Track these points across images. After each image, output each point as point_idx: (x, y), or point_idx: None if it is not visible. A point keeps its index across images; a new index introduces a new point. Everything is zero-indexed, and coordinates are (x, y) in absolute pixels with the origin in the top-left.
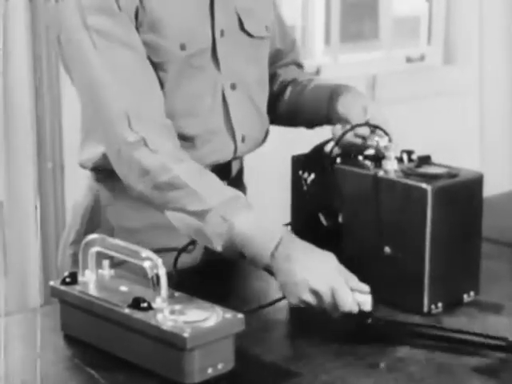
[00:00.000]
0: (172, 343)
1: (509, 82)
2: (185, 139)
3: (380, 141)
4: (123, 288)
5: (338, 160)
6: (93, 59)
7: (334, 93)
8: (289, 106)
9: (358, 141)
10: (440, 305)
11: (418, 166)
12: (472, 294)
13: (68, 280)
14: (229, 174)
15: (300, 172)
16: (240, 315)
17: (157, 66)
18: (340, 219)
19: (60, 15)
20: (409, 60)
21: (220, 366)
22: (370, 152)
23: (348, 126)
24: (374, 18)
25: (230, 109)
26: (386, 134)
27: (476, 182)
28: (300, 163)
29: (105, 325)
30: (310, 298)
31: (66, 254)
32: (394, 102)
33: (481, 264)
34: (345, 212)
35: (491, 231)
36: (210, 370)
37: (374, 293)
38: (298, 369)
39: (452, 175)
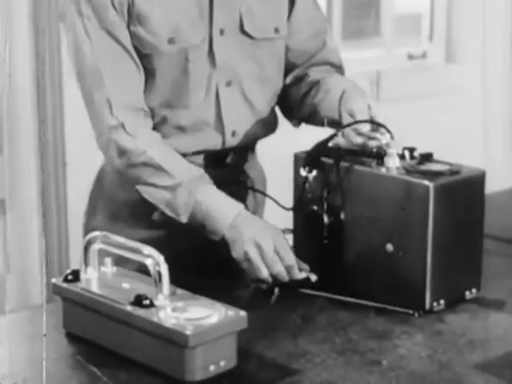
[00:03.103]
0: (174, 340)
1: (510, 79)
2: (177, 127)
3: (382, 138)
4: (125, 285)
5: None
6: (84, 47)
7: (343, 94)
8: (311, 108)
9: (360, 140)
10: (442, 302)
11: (420, 163)
12: (474, 290)
13: (70, 277)
14: (222, 161)
15: (302, 169)
16: (242, 313)
17: (146, 58)
18: (342, 216)
19: (63, 4)
20: (411, 57)
21: (222, 364)
22: (372, 149)
23: (351, 120)
24: (375, 16)
25: (221, 104)
26: (389, 131)
27: (478, 179)
28: (302, 160)
29: (107, 322)
30: (252, 252)
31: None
32: (396, 100)
33: (482, 261)
34: (347, 209)
35: (493, 228)
36: (212, 368)
37: (376, 290)
38: (300, 366)
39: (454, 172)
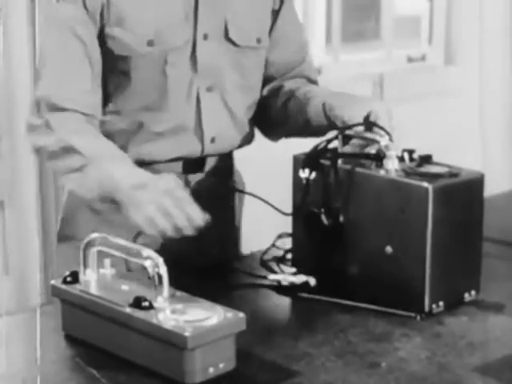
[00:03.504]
0: (173, 342)
1: (509, 81)
2: (154, 133)
3: (381, 140)
4: (124, 287)
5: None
6: (46, 41)
7: (327, 99)
8: (289, 118)
9: (359, 143)
10: (441, 304)
11: (419, 165)
12: (473, 293)
13: (69, 279)
14: (200, 168)
15: (301, 171)
16: (241, 314)
17: (123, 60)
18: (341, 218)
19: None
20: (410, 60)
21: (221, 366)
22: (372, 151)
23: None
24: (375, 18)
25: (202, 110)
26: (388, 133)
27: (477, 182)
28: (301, 162)
29: (106, 324)
30: (152, 212)
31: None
32: (395, 102)
33: (482, 263)
34: (346, 211)
35: (492, 230)
36: (211, 370)
37: (375, 292)
38: (299, 368)
39: (453, 175)
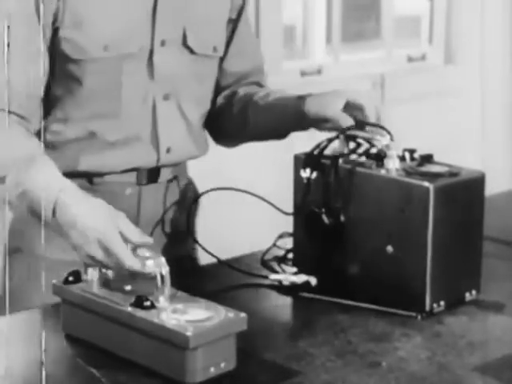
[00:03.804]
0: (175, 342)
1: (509, 81)
2: (107, 142)
3: (382, 140)
4: (126, 287)
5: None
6: None
7: (299, 98)
8: (249, 124)
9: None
10: (442, 303)
11: (420, 164)
12: (473, 292)
13: (71, 279)
14: (154, 179)
15: (302, 170)
16: (242, 314)
17: (77, 64)
18: (342, 218)
19: None
20: (410, 60)
21: (222, 365)
22: (373, 150)
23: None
24: (375, 18)
25: (158, 118)
26: (389, 132)
27: (477, 181)
28: (302, 162)
29: (107, 323)
30: (100, 255)
31: None
32: (396, 102)
33: (482, 263)
34: (347, 211)
35: (492, 230)
36: (212, 369)
37: (376, 292)
38: (300, 368)
39: (454, 174)
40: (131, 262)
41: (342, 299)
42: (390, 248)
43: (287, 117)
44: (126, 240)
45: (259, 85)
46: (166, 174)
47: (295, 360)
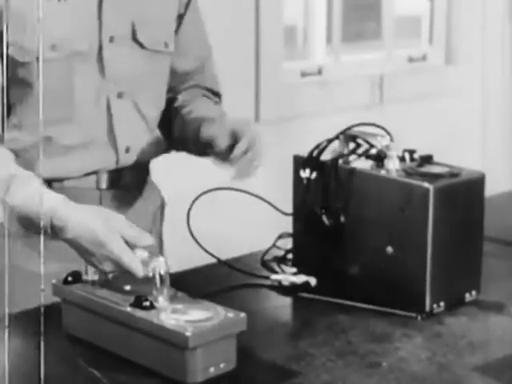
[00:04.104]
0: (174, 342)
1: (510, 81)
2: (64, 146)
3: (382, 140)
4: (126, 287)
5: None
6: None
7: (201, 123)
8: (173, 135)
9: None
10: (442, 304)
11: (420, 165)
12: (474, 293)
13: (70, 279)
14: (116, 182)
15: (302, 171)
16: (242, 314)
17: (25, 67)
18: (342, 219)
19: None
20: (411, 60)
21: (222, 366)
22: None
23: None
24: (375, 18)
25: (113, 118)
26: (388, 133)
27: (478, 182)
28: (302, 162)
29: (107, 323)
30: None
31: None
32: (396, 102)
33: (482, 263)
34: (347, 211)
35: (492, 230)
36: (212, 369)
37: (376, 292)
38: (300, 368)
39: (454, 175)
40: (132, 264)
41: (341, 300)
42: (389, 248)
43: (194, 138)
44: (126, 241)
45: (209, 90)
46: (127, 178)
47: (295, 360)
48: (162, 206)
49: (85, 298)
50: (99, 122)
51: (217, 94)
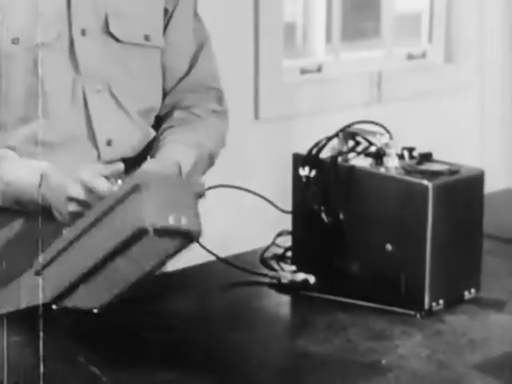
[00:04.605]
0: (129, 196)
1: (510, 79)
2: (43, 145)
3: (381, 138)
4: None
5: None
6: None
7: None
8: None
9: None
10: (441, 302)
11: (419, 163)
12: (473, 290)
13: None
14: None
15: (301, 169)
16: (203, 180)
17: None
18: (341, 216)
19: None
20: (410, 58)
21: (183, 221)
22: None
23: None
24: (375, 16)
25: (91, 113)
26: (388, 131)
27: (477, 179)
28: (301, 160)
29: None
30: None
31: None
32: (395, 100)
33: (482, 261)
34: (346, 209)
35: (492, 228)
36: (171, 219)
37: (375, 290)
38: (298, 367)
39: (453, 172)
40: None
41: (341, 297)
42: (389, 246)
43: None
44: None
45: (210, 88)
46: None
47: (293, 358)
48: None
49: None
50: (76, 117)
51: (220, 100)
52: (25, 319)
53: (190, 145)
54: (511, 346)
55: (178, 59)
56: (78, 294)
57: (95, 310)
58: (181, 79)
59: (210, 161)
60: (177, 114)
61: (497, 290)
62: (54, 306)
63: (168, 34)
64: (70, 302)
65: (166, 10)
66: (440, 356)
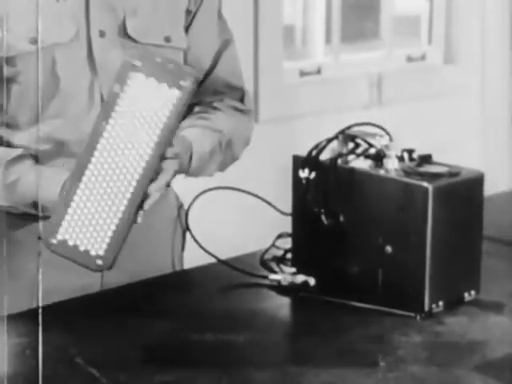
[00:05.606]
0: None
1: (510, 81)
2: (56, 143)
3: (380, 140)
4: None
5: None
6: None
7: None
8: None
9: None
10: (441, 303)
11: (419, 164)
12: (473, 292)
13: None
14: None
15: (301, 171)
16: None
17: (11, 62)
18: (341, 218)
19: None
20: (410, 59)
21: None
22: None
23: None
24: (374, 18)
25: None
26: (387, 133)
27: (477, 181)
28: (301, 162)
29: None
30: None
31: None
32: (395, 101)
33: (481, 263)
34: (346, 211)
35: (492, 230)
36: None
37: (375, 292)
38: (299, 368)
39: (453, 174)
40: None
41: (340, 299)
42: (388, 248)
43: None
44: None
45: (232, 88)
46: None
47: (295, 360)
48: (180, 212)
49: None
50: (93, 118)
51: (241, 89)
52: (24, 320)
53: (204, 128)
54: (511, 348)
55: (201, 59)
56: (79, 228)
57: (99, 262)
58: (203, 78)
59: (231, 152)
60: (197, 109)
61: (497, 292)
62: (53, 241)
63: (191, 33)
64: (72, 240)
65: (188, 11)
66: (440, 358)
